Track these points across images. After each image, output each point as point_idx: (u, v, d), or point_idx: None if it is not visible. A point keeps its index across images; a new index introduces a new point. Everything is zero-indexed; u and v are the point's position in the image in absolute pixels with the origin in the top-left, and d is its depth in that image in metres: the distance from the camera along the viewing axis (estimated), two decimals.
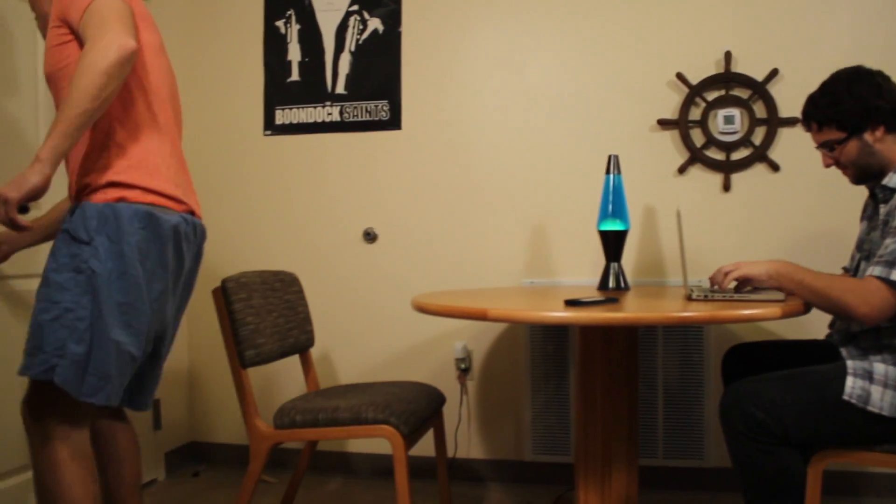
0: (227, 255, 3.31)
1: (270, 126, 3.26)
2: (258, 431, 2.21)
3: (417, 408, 2.24)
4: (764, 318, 1.76)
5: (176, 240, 1.78)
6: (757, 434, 1.81)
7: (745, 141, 2.83)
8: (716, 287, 2.00)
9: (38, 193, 1.58)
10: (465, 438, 3.10)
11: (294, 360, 3.13)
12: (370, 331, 3.18)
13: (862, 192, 2.10)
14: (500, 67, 3.05)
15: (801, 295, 1.86)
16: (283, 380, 3.24)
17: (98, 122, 1.72)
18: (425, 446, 3.04)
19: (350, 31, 3.16)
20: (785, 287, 1.89)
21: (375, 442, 3.12)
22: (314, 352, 3.15)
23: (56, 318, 1.64)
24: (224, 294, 2.25)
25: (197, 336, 3.36)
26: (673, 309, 1.80)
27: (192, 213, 1.89)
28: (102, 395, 1.67)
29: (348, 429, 2.14)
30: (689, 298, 2.00)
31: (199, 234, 1.93)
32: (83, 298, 1.64)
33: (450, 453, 3.08)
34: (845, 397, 1.78)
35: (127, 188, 1.71)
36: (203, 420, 3.37)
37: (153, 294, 1.74)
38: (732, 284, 1.99)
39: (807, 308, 1.86)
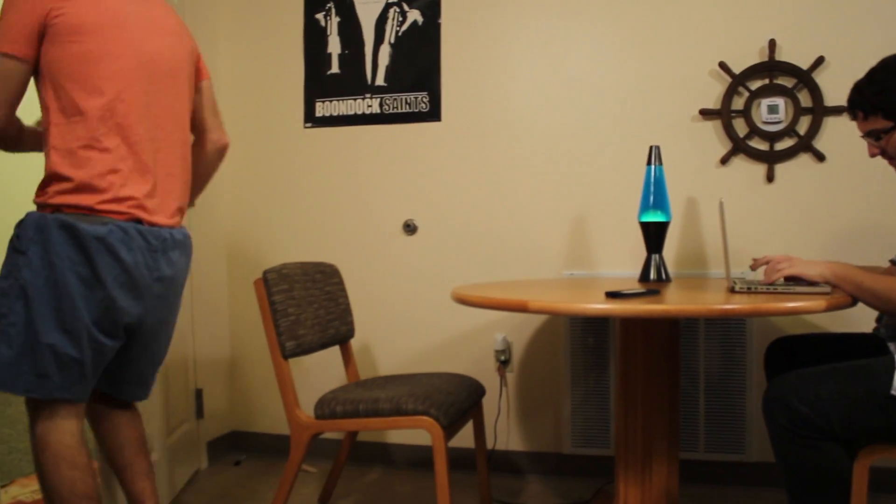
0: (268, 246, 3.35)
1: (311, 118, 3.28)
2: (299, 421, 2.24)
3: (457, 399, 2.25)
4: (809, 311, 1.73)
5: (109, 249, 1.78)
6: (801, 429, 1.78)
7: (789, 131, 2.78)
8: (762, 284, 1.96)
9: None
10: (504, 430, 3.10)
11: (334, 352, 3.16)
12: (410, 322, 3.19)
13: None
14: (541, 58, 3.03)
15: (859, 297, 1.81)
16: (323, 371, 3.27)
17: (45, 152, 1.80)
18: (464, 438, 3.06)
19: (390, 22, 3.17)
20: (843, 290, 1.84)
21: (415, 433, 3.14)
22: (354, 343, 3.18)
23: None
24: (265, 285, 2.28)
25: (239, 327, 3.40)
26: (715, 301, 1.77)
27: (140, 220, 1.85)
28: (42, 391, 1.77)
29: (388, 419, 2.15)
30: (731, 291, 1.98)
31: (157, 241, 1.89)
32: (16, 304, 1.74)
33: (489, 445, 3.09)
34: (893, 392, 1.74)
35: (59, 206, 1.78)
36: (245, 410, 3.42)
37: (94, 299, 1.78)
38: (780, 281, 1.95)
39: (853, 301, 1.82)
